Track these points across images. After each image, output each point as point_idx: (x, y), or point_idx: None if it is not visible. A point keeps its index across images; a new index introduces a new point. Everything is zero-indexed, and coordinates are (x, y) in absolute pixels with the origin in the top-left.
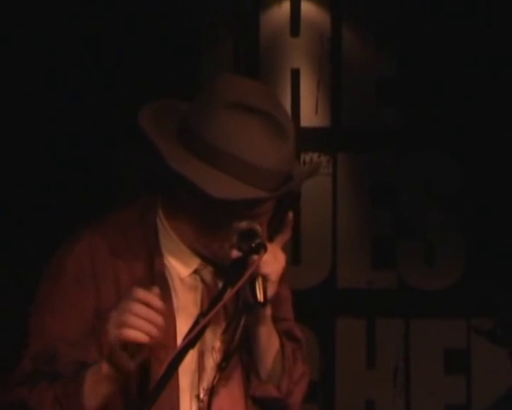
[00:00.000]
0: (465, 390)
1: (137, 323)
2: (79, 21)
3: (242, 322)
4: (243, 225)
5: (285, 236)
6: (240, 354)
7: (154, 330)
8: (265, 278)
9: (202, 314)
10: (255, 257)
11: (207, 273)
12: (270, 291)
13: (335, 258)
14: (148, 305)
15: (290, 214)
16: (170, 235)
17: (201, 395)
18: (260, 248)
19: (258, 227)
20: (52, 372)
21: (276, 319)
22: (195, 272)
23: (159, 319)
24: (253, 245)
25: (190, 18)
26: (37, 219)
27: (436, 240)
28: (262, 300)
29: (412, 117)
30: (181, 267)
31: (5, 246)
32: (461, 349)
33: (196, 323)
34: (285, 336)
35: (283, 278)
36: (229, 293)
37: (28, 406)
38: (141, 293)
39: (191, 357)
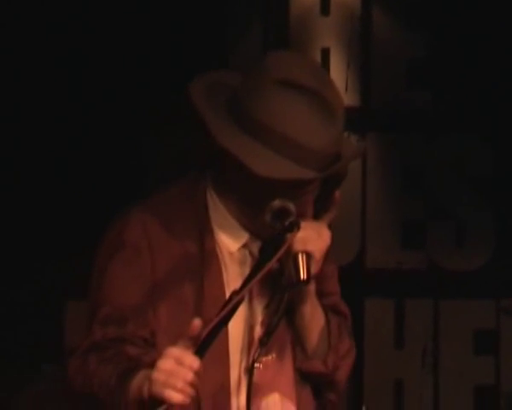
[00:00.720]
0: (494, 371)
1: (174, 384)
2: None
3: (285, 298)
4: (276, 203)
5: (331, 214)
6: (288, 330)
7: (187, 389)
8: (309, 256)
9: (235, 292)
10: (289, 235)
11: (256, 248)
12: (314, 269)
13: (364, 238)
14: (182, 364)
15: (337, 193)
16: (219, 209)
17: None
18: (294, 227)
19: (291, 206)
20: (120, 337)
21: (321, 295)
22: (244, 246)
23: (192, 378)
24: (287, 223)
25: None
26: (63, 209)
27: (466, 221)
28: (305, 277)
29: (442, 99)
30: (230, 241)
31: (38, 239)
32: (490, 330)
33: (229, 300)
34: (331, 310)
35: (328, 254)
36: (262, 271)
37: (92, 379)
38: (175, 352)
39: (242, 331)
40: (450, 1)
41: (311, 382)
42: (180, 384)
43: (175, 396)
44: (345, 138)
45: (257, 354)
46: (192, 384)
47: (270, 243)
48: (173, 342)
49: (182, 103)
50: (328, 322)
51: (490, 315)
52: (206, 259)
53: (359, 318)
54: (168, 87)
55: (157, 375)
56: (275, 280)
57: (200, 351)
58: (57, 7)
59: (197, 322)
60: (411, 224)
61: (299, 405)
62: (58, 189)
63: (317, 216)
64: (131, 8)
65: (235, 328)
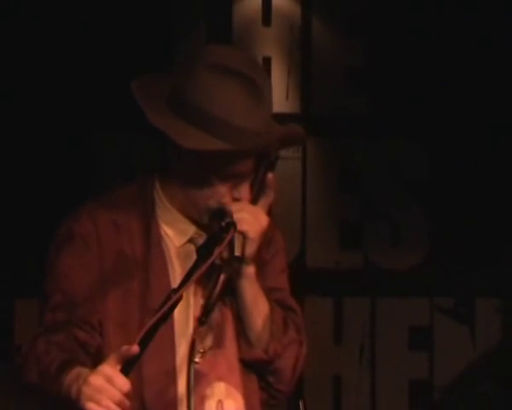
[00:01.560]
0: (428, 366)
1: (99, 399)
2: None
3: (221, 278)
4: (214, 204)
5: (268, 198)
6: (232, 322)
7: (112, 407)
8: (244, 235)
9: (174, 290)
10: (225, 235)
11: (202, 242)
12: (250, 248)
13: (304, 239)
14: (112, 383)
15: (270, 176)
16: (166, 206)
17: (197, 359)
18: (230, 227)
19: (228, 207)
20: (69, 321)
21: (269, 289)
22: (190, 240)
23: (120, 398)
24: (224, 224)
25: (163, 7)
26: (10, 210)
27: (401, 223)
28: (239, 254)
29: (379, 105)
30: (176, 237)
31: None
32: (424, 327)
33: (168, 298)
34: (278, 305)
35: (277, 249)
36: (200, 270)
37: (40, 361)
38: (107, 370)
39: (186, 319)
40: (387, 11)
41: (255, 371)
42: (104, 402)
43: None
44: (277, 125)
45: (196, 334)
46: (119, 404)
47: (208, 243)
48: (119, 333)
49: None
50: (271, 311)
51: (424, 312)
52: (153, 253)
53: None
54: (114, 86)
55: (85, 388)
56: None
57: (141, 346)
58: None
59: (135, 349)
60: (348, 225)
61: (244, 394)
62: (5, 189)
63: (254, 201)
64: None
65: (181, 316)
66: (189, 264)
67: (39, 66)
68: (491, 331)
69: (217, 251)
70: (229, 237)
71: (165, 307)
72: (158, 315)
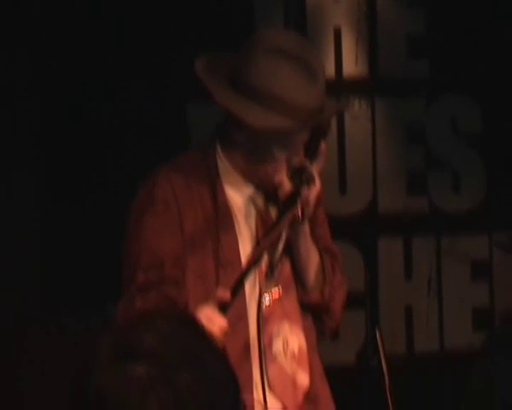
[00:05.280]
0: (488, 295)
1: None
2: None
3: (284, 236)
4: (295, 161)
5: (320, 163)
6: (292, 270)
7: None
8: (303, 200)
9: (262, 239)
10: (305, 188)
11: (260, 201)
12: (307, 211)
13: (376, 187)
14: (212, 322)
15: (323, 144)
16: (227, 168)
17: (264, 305)
18: (310, 181)
19: (308, 163)
20: (160, 279)
21: (315, 239)
22: (250, 199)
23: (220, 335)
24: (304, 178)
25: None
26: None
27: (460, 170)
28: (300, 217)
29: (438, 67)
30: (237, 196)
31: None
32: (484, 260)
33: (258, 245)
34: (324, 251)
35: (320, 202)
36: (286, 218)
37: None
38: (207, 311)
39: (255, 277)
40: None
41: (311, 312)
42: None
43: None
44: (328, 98)
45: (264, 286)
46: (219, 341)
47: (290, 196)
48: (198, 284)
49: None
50: (322, 259)
51: (483, 248)
52: (220, 212)
53: (374, 255)
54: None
55: None
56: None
57: (236, 289)
58: None
59: (227, 295)
60: (415, 174)
61: (304, 332)
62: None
63: None
64: None
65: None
66: (250, 220)
67: (131, 38)
68: None
69: (298, 203)
70: (309, 191)
71: (256, 255)
72: (250, 263)
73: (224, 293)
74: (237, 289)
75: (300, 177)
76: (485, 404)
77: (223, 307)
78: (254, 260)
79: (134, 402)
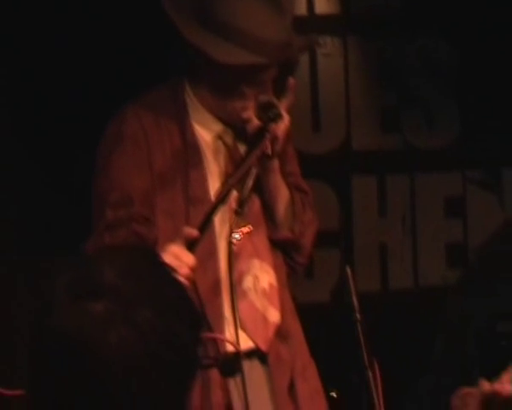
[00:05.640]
0: (462, 231)
1: None
2: None
3: (254, 173)
4: (263, 98)
5: (289, 99)
6: (262, 207)
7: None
8: (273, 136)
9: (230, 176)
10: (273, 125)
11: (228, 137)
12: (277, 147)
13: (350, 125)
14: (179, 259)
15: (291, 80)
16: (196, 105)
17: (234, 241)
18: (277, 117)
19: (275, 99)
20: (129, 217)
21: (285, 175)
22: (218, 136)
23: (188, 272)
24: (271, 115)
25: None
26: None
27: (434, 107)
28: (270, 153)
29: (412, 4)
30: (206, 133)
31: None
32: (458, 197)
33: (226, 183)
34: (294, 188)
35: (289, 138)
36: (254, 155)
37: None
38: (175, 249)
39: (225, 214)
40: None
41: (281, 249)
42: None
43: None
44: (296, 35)
45: (234, 224)
46: (187, 278)
47: (257, 133)
48: (168, 222)
49: None
50: (291, 195)
51: (457, 184)
52: (189, 149)
53: (348, 193)
54: None
55: None
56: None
57: (204, 224)
58: None
59: (195, 232)
60: (389, 112)
61: (274, 268)
62: None
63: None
64: None
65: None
66: (219, 157)
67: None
68: None
69: (266, 139)
70: (276, 127)
71: (223, 192)
72: (217, 200)
73: (192, 230)
74: (205, 226)
75: (268, 113)
76: (460, 340)
77: (190, 245)
78: (222, 197)
79: (95, 340)
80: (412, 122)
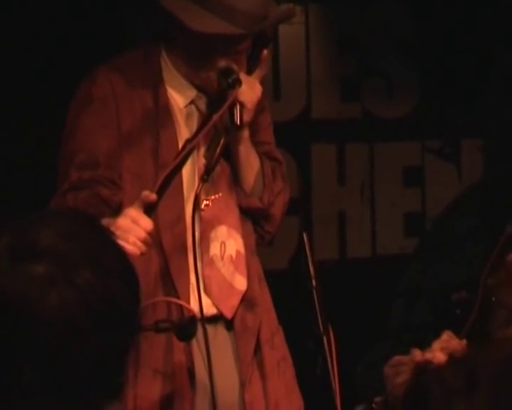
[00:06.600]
0: (420, 201)
1: (127, 238)
2: None
3: (222, 141)
4: (222, 63)
5: (262, 70)
6: (230, 175)
7: (139, 245)
8: (242, 105)
9: (189, 140)
10: (232, 90)
11: (202, 103)
12: (247, 116)
13: (310, 94)
14: (137, 223)
15: (265, 52)
16: (171, 70)
17: (202, 207)
18: (236, 83)
19: (234, 66)
20: (94, 179)
21: (257, 143)
22: (192, 102)
23: (145, 236)
24: (230, 81)
25: None
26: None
27: (394, 77)
28: (238, 122)
29: None
30: (180, 98)
31: None
32: (416, 166)
33: (184, 147)
34: (266, 157)
35: (264, 107)
36: (211, 122)
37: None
38: (132, 212)
39: (192, 173)
40: None
41: (250, 217)
42: (132, 239)
43: (126, 248)
44: (274, 6)
45: (201, 190)
46: (144, 242)
47: (217, 98)
48: (136, 184)
49: None
50: (262, 165)
51: (416, 154)
52: (161, 113)
53: (307, 161)
54: None
55: (114, 229)
56: (215, 129)
57: (159, 193)
58: None
59: (153, 196)
60: (348, 80)
61: (243, 235)
62: None
63: (249, 73)
64: None
65: (187, 171)
66: (192, 122)
67: None
68: (475, 169)
69: (225, 104)
70: (235, 93)
71: (181, 156)
72: (174, 163)
73: (150, 194)
74: (163, 189)
75: (227, 79)
76: (415, 308)
77: (149, 209)
78: (180, 161)
79: (35, 301)
80: (372, 91)
